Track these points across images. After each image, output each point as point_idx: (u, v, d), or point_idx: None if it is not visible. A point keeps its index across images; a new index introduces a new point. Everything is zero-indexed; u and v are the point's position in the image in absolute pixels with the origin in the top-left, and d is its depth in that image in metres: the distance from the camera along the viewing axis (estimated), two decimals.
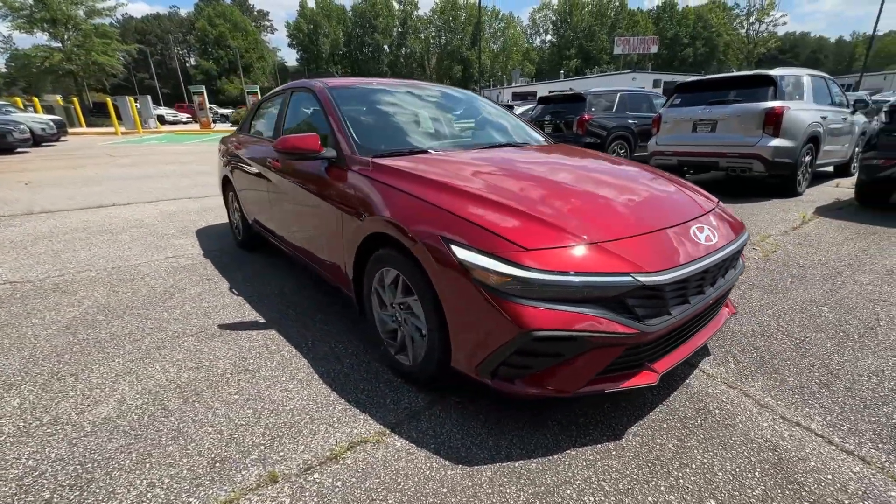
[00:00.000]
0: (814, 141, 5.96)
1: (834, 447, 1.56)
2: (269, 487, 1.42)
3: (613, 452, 1.55)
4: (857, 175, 5.26)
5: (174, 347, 2.32)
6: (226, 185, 4.13)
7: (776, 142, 5.51)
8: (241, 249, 4.02)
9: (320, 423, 1.72)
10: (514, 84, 54.56)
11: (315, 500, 1.38)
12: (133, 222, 5.05)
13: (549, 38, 78.36)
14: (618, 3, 72.57)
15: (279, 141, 2.28)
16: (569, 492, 1.39)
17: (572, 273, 1.39)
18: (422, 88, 3.13)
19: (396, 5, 69.77)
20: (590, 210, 1.69)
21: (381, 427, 1.70)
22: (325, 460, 1.53)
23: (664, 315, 1.52)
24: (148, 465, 1.52)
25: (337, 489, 1.41)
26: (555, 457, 1.53)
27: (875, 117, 8.68)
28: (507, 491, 1.40)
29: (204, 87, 24.52)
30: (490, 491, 1.40)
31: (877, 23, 25.78)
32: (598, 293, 1.41)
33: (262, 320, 2.63)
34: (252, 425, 1.72)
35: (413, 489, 1.41)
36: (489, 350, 1.49)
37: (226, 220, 5.10)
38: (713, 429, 1.66)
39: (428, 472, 1.48)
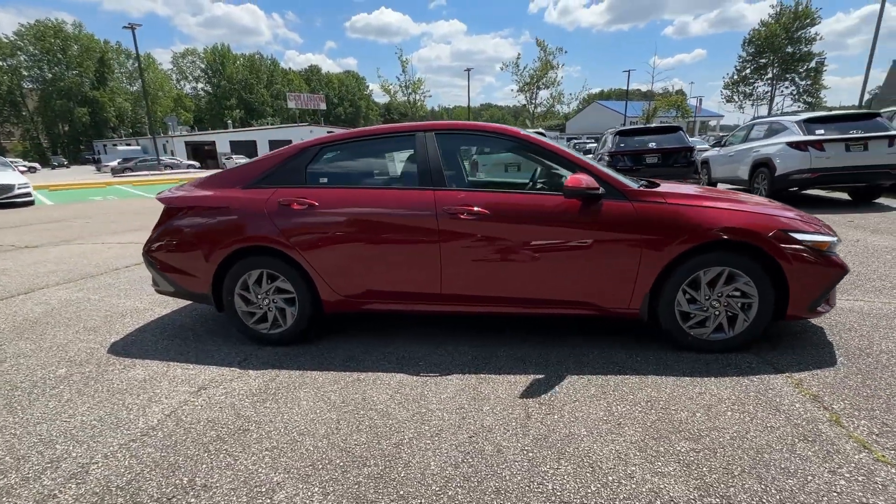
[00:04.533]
0: None
1: None
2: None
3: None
4: None
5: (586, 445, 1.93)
6: (231, 263, 2.82)
7: None
8: (280, 345, 2.88)
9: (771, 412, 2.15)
10: (176, 133, 47.90)
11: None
12: None
13: (201, 85, 72.99)
14: (270, 62, 76.01)
15: (571, 181, 2.36)
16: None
17: (837, 237, 2.56)
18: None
19: None
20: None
21: (786, 376, 2.30)
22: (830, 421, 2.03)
23: None
24: None
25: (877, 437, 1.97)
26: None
27: None
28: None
29: None
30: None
31: (469, 97, 38.73)
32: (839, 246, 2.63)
33: (595, 380, 2.38)
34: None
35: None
36: (821, 290, 2.43)
37: (149, 318, 3.33)
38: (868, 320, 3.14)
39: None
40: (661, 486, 1.57)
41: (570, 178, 2.40)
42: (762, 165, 8.29)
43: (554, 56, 31.71)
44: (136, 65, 61.99)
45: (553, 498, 1.54)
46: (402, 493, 1.60)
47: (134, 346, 2.97)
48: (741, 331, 2.52)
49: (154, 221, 3.04)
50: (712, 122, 59.27)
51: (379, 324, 3.19)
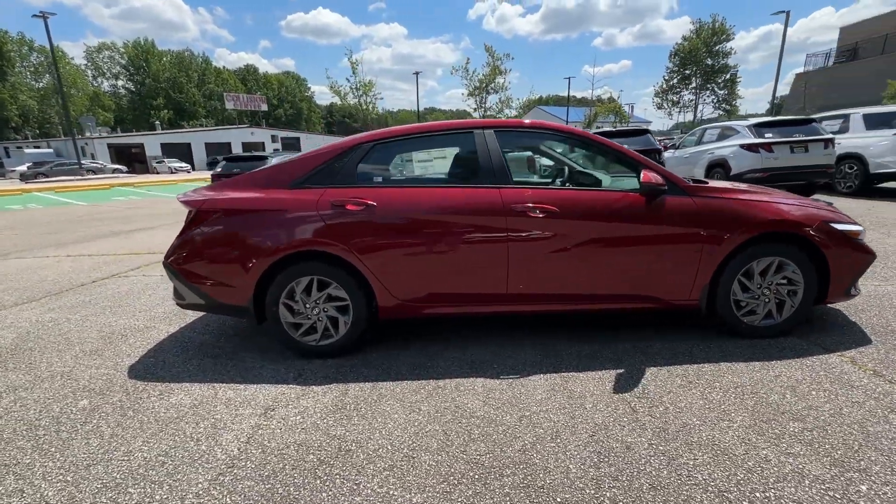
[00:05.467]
0: None
1: None
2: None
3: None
4: None
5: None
6: (276, 271, 2.58)
7: None
8: (330, 357, 2.69)
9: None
10: (95, 134, 43.52)
11: None
12: None
13: (121, 83, 66.77)
14: (201, 60, 71.28)
15: (645, 177, 2.42)
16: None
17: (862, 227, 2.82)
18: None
19: None
20: None
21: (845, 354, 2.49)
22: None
23: None
24: None
25: None
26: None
27: None
28: None
29: None
30: None
31: (418, 99, 38.62)
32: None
33: (674, 370, 2.41)
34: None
35: None
36: (856, 275, 2.67)
37: (157, 336, 3.03)
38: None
39: None
40: (801, 466, 1.63)
41: (643, 174, 2.45)
42: (717, 166, 9.01)
43: (502, 61, 32.48)
44: (41, 58, 55.62)
45: (710, 488, 1.55)
46: (559, 500, 1.53)
47: (158, 368, 2.62)
48: (788, 316, 2.70)
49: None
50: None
51: (426, 329, 3.06)
